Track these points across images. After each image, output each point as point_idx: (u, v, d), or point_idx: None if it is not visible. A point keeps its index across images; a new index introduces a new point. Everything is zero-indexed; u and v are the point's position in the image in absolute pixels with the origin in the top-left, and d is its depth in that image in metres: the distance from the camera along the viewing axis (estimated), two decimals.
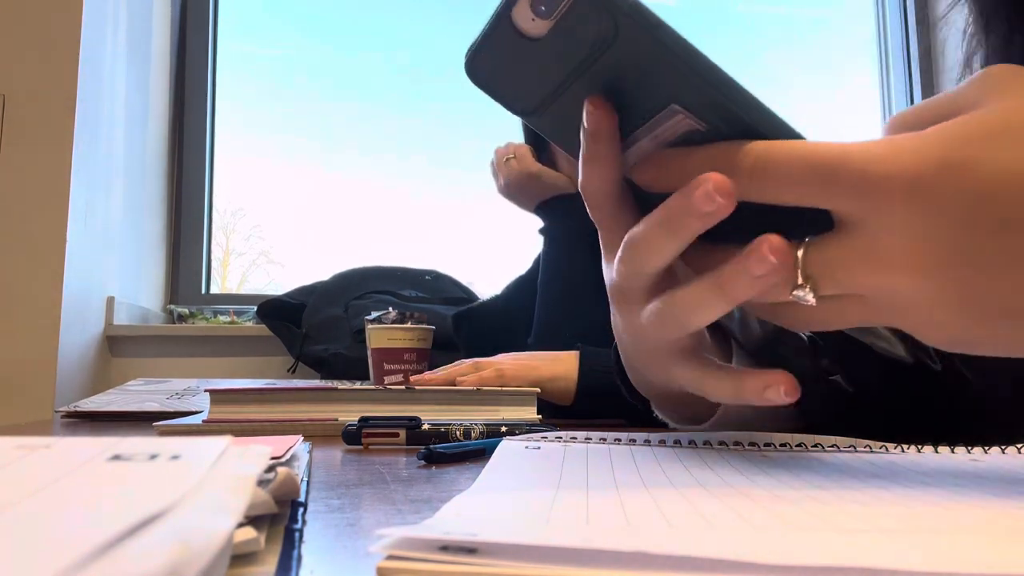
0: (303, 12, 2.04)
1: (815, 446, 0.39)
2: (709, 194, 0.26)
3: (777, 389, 0.29)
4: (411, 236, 1.91)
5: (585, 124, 0.29)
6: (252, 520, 0.21)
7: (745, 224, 0.28)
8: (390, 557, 0.17)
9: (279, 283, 1.90)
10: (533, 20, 0.27)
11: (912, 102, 1.95)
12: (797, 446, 0.39)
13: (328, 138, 1.99)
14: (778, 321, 0.31)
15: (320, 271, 1.64)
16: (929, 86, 1.91)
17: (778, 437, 0.40)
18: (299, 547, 0.21)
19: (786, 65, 2.10)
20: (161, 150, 1.70)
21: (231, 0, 1.86)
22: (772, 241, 0.27)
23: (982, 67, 0.32)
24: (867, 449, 0.39)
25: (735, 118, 0.27)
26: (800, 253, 0.27)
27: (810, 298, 0.27)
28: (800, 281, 0.27)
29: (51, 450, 0.19)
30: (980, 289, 0.25)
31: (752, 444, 0.39)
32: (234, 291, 1.87)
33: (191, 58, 1.78)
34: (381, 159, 1.98)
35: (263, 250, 1.98)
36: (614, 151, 0.30)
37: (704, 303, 0.29)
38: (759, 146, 0.27)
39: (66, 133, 1.31)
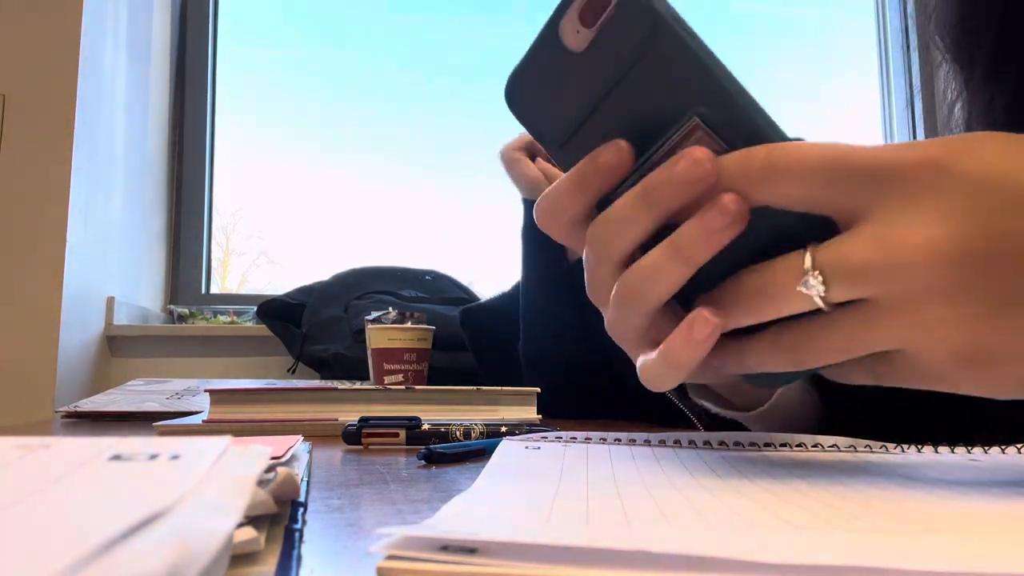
0: (303, 12, 2.04)
1: (815, 446, 0.39)
2: (724, 208, 0.26)
3: (700, 316, 0.28)
4: (411, 236, 1.91)
5: (602, 159, 0.29)
6: (252, 520, 0.21)
7: (744, 249, 0.28)
8: (390, 557, 0.17)
9: (279, 283, 1.90)
10: (578, 31, 0.28)
11: (912, 102, 1.95)
12: (797, 446, 0.39)
13: (328, 138, 1.99)
14: (800, 358, 0.29)
15: (320, 271, 1.64)
16: (929, 86, 1.91)
17: (778, 437, 0.40)
18: (299, 547, 0.21)
19: (786, 65, 2.10)
20: (161, 150, 1.70)
21: (231, 0, 1.86)
22: (728, 197, 0.27)
23: (965, 125, 0.33)
24: (867, 449, 0.39)
25: (754, 133, 0.27)
26: (808, 254, 0.27)
27: (820, 288, 0.26)
28: (809, 273, 0.26)
29: (51, 450, 0.19)
30: (996, 275, 0.25)
31: (752, 444, 0.39)
32: (234, 291, 1.87)
33: (191, 58, 1.78)
34: (381, 159, 1.98)
35: (263, 250, 1.98)
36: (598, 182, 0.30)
37: (660, 269, 0.28)
38: (769, 146, 0.27)
39: (66, 133, 1.31)
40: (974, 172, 0.25)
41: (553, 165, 0.93)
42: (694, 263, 0.28)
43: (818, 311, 0.27)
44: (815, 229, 0.27)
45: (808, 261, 0.26)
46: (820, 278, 0.26)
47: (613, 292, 0.30)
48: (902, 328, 0.26)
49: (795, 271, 0.27)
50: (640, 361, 0.31)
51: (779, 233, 0.27)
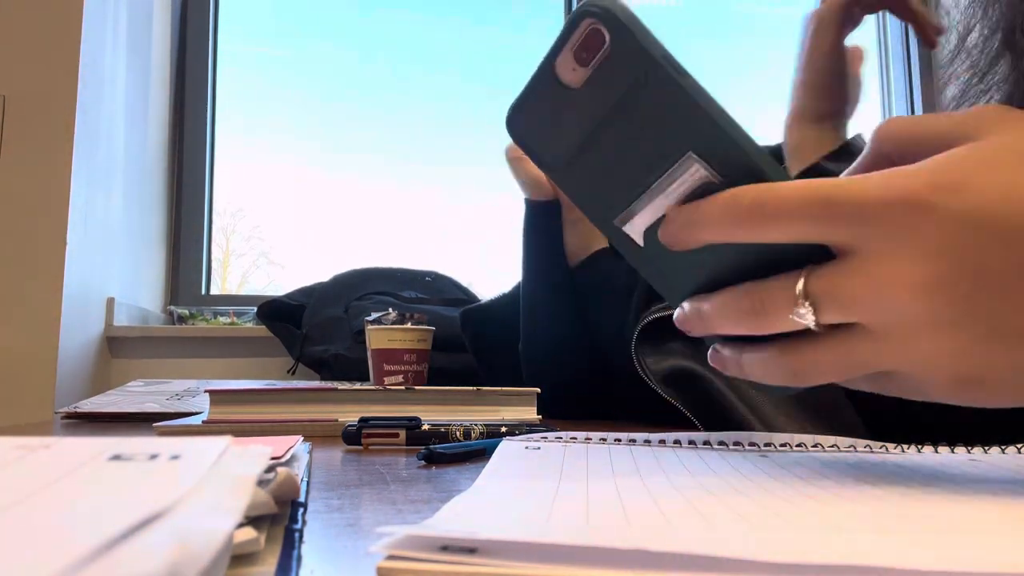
0: (304, 12, 2.04)
1: (815, 446, 0.39)
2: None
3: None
4: (411, 236, 1.91)
5: None
6: (252, 520, 0.21)
7: (747, 272, 0.30)
8: (390, 557, 0.17)
9: (279, 284, 1.90)
10: (574, 70, 0.29)
11: (912, 102, 1.95)
12: (797, 446, 0.39)
13: (328, 138, 1.99)
14: (797, 375, 0.30)
15: (320, 272, 1.64)
16: (929, 86, 1.91)
17: (778, 437, 0.40)
18: (299, 547, 0.21)
19: (786, 65, 2.10)
20: (161, 150, 1.70)
21: (231, 0, 1.86)
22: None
23: None
24: (867, 449, 0.39)
25: (747, 166, 0.28)
26: (801, 280, 0.28)
27: (810, 317, 0.27)
28: (800, 300, 0.27)
29: (51, 450, 0.19)
30: (986, 307, 0.25)
31: (752, 444, 0.39)
32: (234, 292, 1.87)
33: (191, 58, 1.78)
34: (381, 159, 1.98)
35: (263, 251, 1.98)
36: None
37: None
38: (759, 186, 0.28)
39: (66, 133, 1.31)
40: (958, 210, 0.25)
41: None
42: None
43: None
44: (814, 249, 0.28)
45: (800, 288, 0.28)
46: (811, 308, 0.27)
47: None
48: (893, 355, 0.27)
49: (788, 297, 0.28)
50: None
51: (780, 249, 0.28)
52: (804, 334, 0.29)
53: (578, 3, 0.29)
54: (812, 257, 0.28)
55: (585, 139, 0.31)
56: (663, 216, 0.30)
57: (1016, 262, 0.25)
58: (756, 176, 0.28)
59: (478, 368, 1.07)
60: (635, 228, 0.32)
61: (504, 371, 0.96)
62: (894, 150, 0.29)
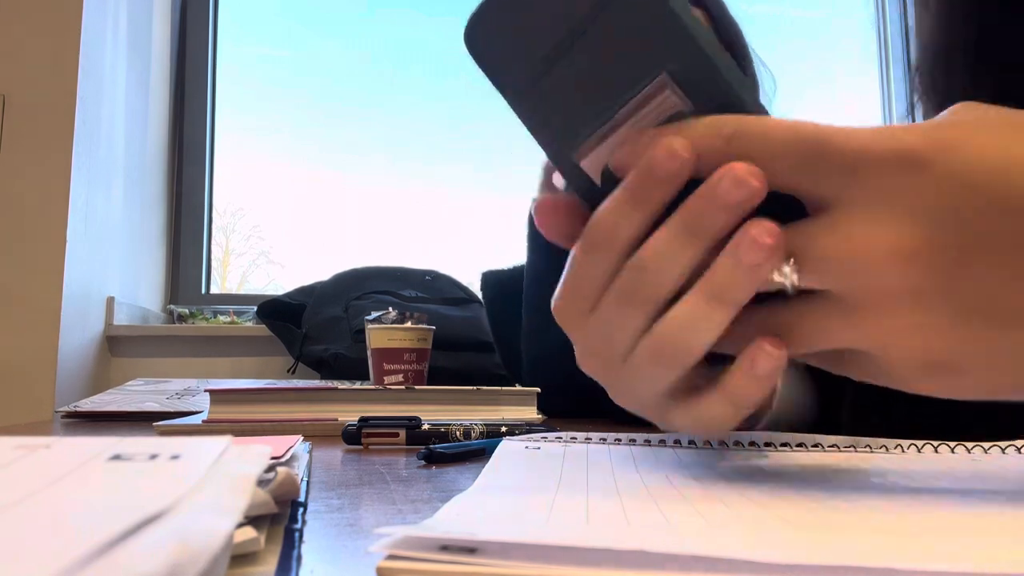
0: (303, 12, 2.04)
1: (815, 446, 0.39)
2: (739, 180, 0.24)
3: (762, 350, 0.26)
4: (411, 236, 1.91)
5: (658, 167, 0.25)
6: (252, 520, 0.21)
7: None
8: (390, 557, 0.17)
9: (279, 283, 1.90)
10: None
11: (912, 103, 1.95)
12: (797, 446, 0.39)
13: (328, 138, 1.99)
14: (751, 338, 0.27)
15: (320, 271, 1.64)
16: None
17: (778, 437, 0.40)
18: (299, 547, 0.21)
19: (786, 65, 2.10)
20: (161, 150, 1.70)
21: (231, 0, 1.86)
22: (761, 224, 0.24)
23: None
24: (867, 449, 0.39)
25: (723, 92, 0.26)
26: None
27: (794, 276, 0.25)
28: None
29: (51, 450, 0.19)
30: (968, 281, 0.23)
31: (752, 444, 0.39)
32: (234, 291, 1.87)
33: (191, 58, 1.78)
34: (381, 159, 1.98)
35: (263, 250, 1.98)
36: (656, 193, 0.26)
37: (700, 317, 0.26)
38: (743, 116, 0.25)
39: (66, 133, 1.31)
40: (955, 171, 0.23)
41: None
42: (737, 305, 0.26)
43: (780, 295, 0.26)
44: (790, 205, 0.26)
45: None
46: (794, 266, 0.25)
47: (642, 349, 0.27)
48: (860, 330, 0.25)
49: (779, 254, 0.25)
50: (685, 414, 0.28)
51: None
52: (770, 301, 0.26)
53: None
54: (787, 215, 0.25)
55: (551, 54, 0.27)
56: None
57: (1012, 232, 0.23)
58: (735, 108, 0.26)
59: (491, 332, 1.08)
60: (593, 164, 0.29)
61: (515, 339, 0.97)
62: None
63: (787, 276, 0.25)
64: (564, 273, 0.29)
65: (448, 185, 1.97)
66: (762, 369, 0.26)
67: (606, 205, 0.27)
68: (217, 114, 1.81)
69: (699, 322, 0.26)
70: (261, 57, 1.96)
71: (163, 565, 0.11)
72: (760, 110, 0.26)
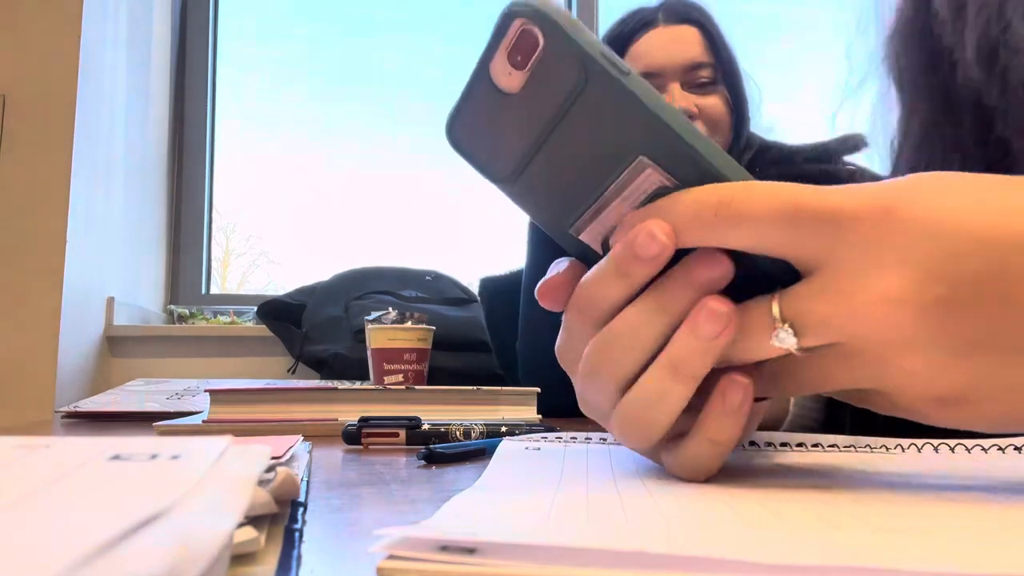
0: (303, 12, 2.04)
1: (815, 446, 0.39)
2: (706, 260, 0.26)
3: (732, 382, 0.27)
4: (411, 236, 1.91)
5: (640, 251, 0.27)
6: (252, 520, 0.21)
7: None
8: (390, 557, 0.17)
9: (279, 283, 1.91)
10: (510, 74, 0.28)
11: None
12: (798, 446, 0.39)
13: (328, 138, 1.99)
14: (779, 388, 0.29)
15: (320, 271, 1.65)
16: None
17: (778, 437, 0.40)
18: (299, 547, 0.21)
19: (786, 65, 2.10)
20: (161, 150, 1.70)
21: (231, 0, 1.86)
22: (716, 298, 0.26)
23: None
24: (867, 449, 0.39)
25: (701, 166, 0.27)
26: (775, 302, 0.26)
27: (792, 341, 0.26)
28: (778, 323, 0.26)
29: (51, 450, 0.19)
30: (959, 318, 0.24)
31: (752, 444, 0.39)
32: (234, 291, 1.87)
33: (191, 58, 1.78)
34: (381, 159, 1.98)
35: (263, 250, 1.98)
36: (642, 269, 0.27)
37: (662, 392, 0.27)
38: (726, 185, 0.26)
39: (66, 133, 1.31)
40: (926, 218, 0.24)
41: None
42: (697, 378, 0.27)
43: None
44: (781, 267, 0.27)
45: (776, 311, 0.26)
46: (791, 331, 0.26)
47: (614, 418, 0.29)
48: (872, 373, 0.26)
49: (766, 323, 0.26)
50: (672, 460, 0.29)
51: (749, 268, 0.27)
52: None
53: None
54: (783, 279, 0.26)
55: (530, 147, 0.29)
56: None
57: (990, 268, 0.24)
58: (715, 180, 0.27)
59: (489, 338, 1.08)
60: (592, 236, 0.30)
61: (512, 345, 0.97)
62: None
63: (785, 341, 0.26)
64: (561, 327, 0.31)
65: (449, 185, 1.97)
66: (732, 401, 0.27)
67: (592, 273, 0.29)
68: (217, 114, 1.81)
69: (661, 396, 0.27)
70: (261, 56, 1.96)
71: (163, 565, 0.11)
72: (743, 175, 0.27)
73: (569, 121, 0.28)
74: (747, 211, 0.26)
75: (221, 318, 1.66)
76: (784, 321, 0.26)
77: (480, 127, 0.30)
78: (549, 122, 0.28)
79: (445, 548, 0.17)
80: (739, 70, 0.97)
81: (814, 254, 0.26)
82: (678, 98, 0.92)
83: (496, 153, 0.30)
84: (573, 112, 0.27)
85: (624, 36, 0.97)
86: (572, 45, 0.26)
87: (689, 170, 0.27)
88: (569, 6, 1.85)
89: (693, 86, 0.94)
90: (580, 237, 0.30)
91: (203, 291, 1.75)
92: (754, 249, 0.26)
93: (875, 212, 0.25)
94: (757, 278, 0.27)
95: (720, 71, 0.95)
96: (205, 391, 0.63)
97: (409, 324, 0.93)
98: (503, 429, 0.49)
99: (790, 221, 0.25)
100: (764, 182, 0.26)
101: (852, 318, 0.25)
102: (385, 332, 0.91)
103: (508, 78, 0.28)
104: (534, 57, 0.27)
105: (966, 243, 0.24)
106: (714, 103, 0.94)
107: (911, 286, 0.24)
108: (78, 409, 0.79)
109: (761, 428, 0.42)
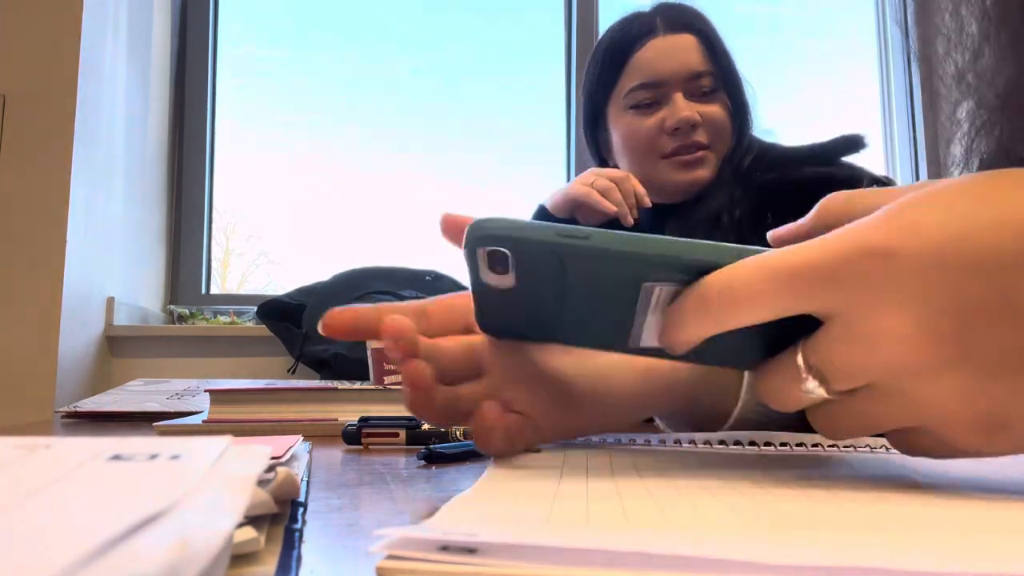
0: (303, 12, 2.04)
1: (815, 445, 0.39)
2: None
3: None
4: (411, 236, 1.91)
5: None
6: (252, 520, 0.21)
7: (744, 350, 0.29)
8: (390, 557, 0.17)
9: (279, 283, 1.91)
10: (500, 277, 0.31)
11: (912, 102, 1.95)
12: (797, 445, 0.39)
13: (328, 138, 1.99)
14: (828, 433, 0.29)
15: (320, 271, 1.64)
16: (928, 87, 1.91)
17: (778, 437, 0.40)
18: (299, 547, 0.21)
19: (786, 65, 2.10)
20: (161, 150, 1.70)
21: (231, 0, 1.86)
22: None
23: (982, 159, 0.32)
24: (867, 448, 0.39)
25: (692, 266, 0.28)
26: (799, 355, 0.27)
27: (819, 391, 0.27)
28: (804, 376, 0.27)
29: (51, 450, 0.19)
30: (977, 342, 0.24)
31: (752, 444, 0.39)
32: (234, 291, 1.87)
33: (191, 58, 1.78)
34: (381, 159, 1.99)
35: (263, 250, 1.98)
36: None
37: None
38: (721, 273, 0.27)
39: (66, 133, 1.31)
40: (921, 250, 0.24)
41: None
42: None
43: None
44: (804, 318, 0.27)
45: (801, 363, 0.27)
46: (816, 381, 0.27)
47: None
48: (910, 409, 0.26)
49: (794, 374, 0.27)
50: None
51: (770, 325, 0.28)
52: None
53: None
54: (805, 326, 0.27)
55: (552, 315, 0.32)
56: None
57: (991, 295, 0.24)
58: (713, 268, 0.28)
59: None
60: (648, 342, 0.32)
61: None
62: (836, 223, 0.28)
63: (814, 391, 0.27)
64: None
65: (450, 185, 1.97)
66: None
67: None
68: (217, 114, 1.81)
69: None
70: (261, 57, 1.97)
71: (163, 565, 0.11)
72: (739, 254, 0.28)
73: (571, 284, 0.31)
74: (747, 290, 0.26)
75: (221, 318, 1.66)
76: (811, 369, 0.27)
77: (505, 317, 0.35)
78: (554, 294, 0.31)
79: (445, 548, 0.17)
80: (738, 76, 0.98)
81: (818, 307, 0.26)
82: (682, 107, 0.93)
83: (529, 327, 0.35)
84: (569, 279, 0.30)
85: (625, 43, 0.98)
86: (531, 244, 0.29)
87: (687, 271, 0.28)
88: (569, 7, 1.85)
89: (695, 95, 0.95)
90: (640, 346, 0.32)
91: (203, 291, 1.75)
92: (768, 319, 0.27)
93: (864, 252, 0.25)
94: (783, 324, 0.27)
95: (720, 78, 0.96)
96: (205, 391, 0.63)
97: None
98: None
99: (789, 287, 0.26)
100: (751, 258, 0.27)
101: (872, 357, 0.25)
102: None
103: (500, 279, 0.31)
104: (510, 263, 0.30)
105: (966, 267, 0.24)
106: (716, 111, 0.95)
107: (920, 323, 0.24)
108: (78, 409, 0.79)
109: (709, 422, 0.42)
